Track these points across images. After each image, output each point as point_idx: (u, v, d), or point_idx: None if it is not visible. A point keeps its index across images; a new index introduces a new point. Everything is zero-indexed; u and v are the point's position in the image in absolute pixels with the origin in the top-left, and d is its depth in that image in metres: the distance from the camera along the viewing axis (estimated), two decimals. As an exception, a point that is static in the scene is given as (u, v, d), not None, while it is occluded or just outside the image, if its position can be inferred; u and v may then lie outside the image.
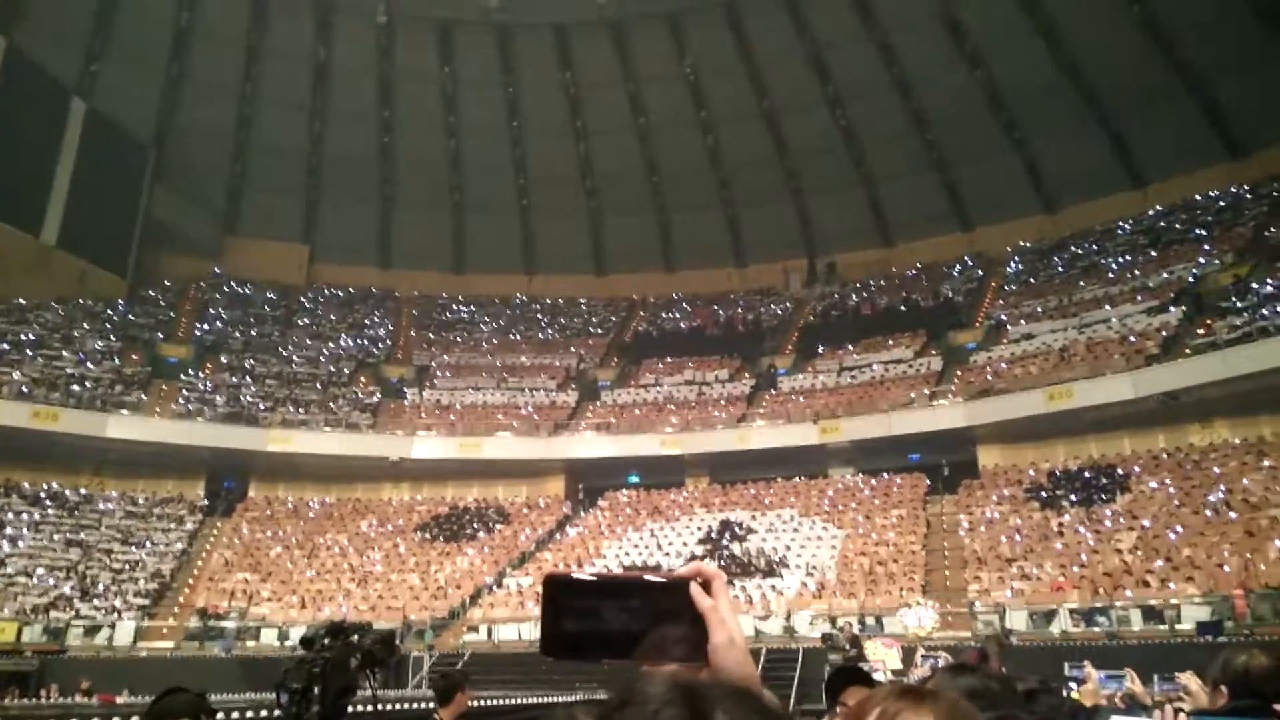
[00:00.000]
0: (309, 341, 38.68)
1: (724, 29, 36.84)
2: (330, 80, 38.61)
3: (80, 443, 29.03)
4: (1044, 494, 26.07)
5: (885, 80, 36.73)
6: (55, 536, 27.58)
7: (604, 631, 0.92)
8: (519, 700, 18.75)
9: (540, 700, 18.12)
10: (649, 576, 0.97)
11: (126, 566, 27.56)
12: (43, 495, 29.13)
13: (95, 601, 25.38)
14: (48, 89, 32.99)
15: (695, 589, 0.95)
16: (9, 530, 26.98)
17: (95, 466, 30.69)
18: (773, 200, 40.30)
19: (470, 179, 41.17)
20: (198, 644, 24.15)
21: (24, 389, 29.16)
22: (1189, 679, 5.00)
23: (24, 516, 27.84)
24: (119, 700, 16.10)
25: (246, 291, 40.50)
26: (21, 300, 33.61)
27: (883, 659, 15.25)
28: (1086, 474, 26.34)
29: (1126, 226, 35.31)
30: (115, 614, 25.02)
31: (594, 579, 0.96)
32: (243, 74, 37.58)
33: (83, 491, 30.01)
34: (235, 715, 6.38)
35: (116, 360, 33.33)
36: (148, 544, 28.86)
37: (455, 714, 5.11)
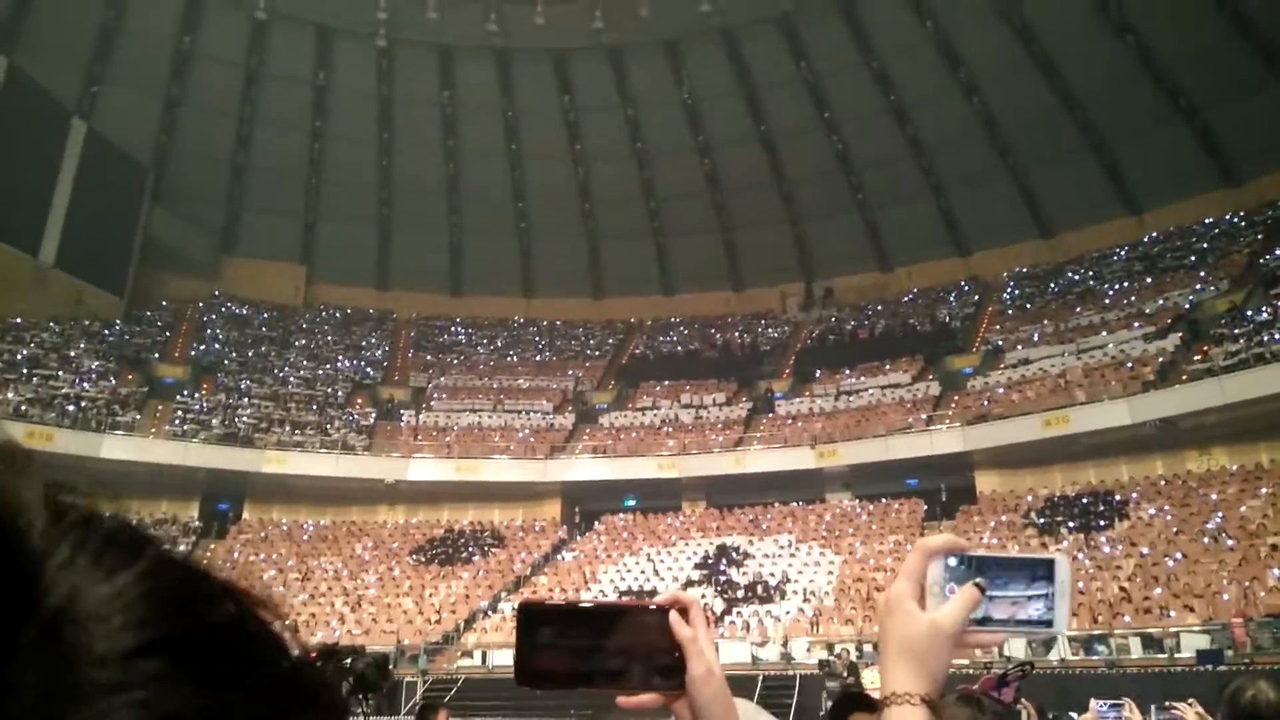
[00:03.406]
0: (305, 362, 38.60)
1: (721, 55, 37.14)
2: (330, 102, 38.82)
3: (75, 463, 28.79)
4: (1042, 520, 25.98)
5: (881, 107, 37.02)
6: (47, 558, 27.33)
7: (580, 660, 0.91)
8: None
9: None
10: (624, 605, 0.96)
11: (118, 588, 27.31)
12: (35, 516, 28.88)
13: (86, 624, 25.12)
14: (48, 109, 33.11)
15: (674, 618, 0.94)
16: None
17: (89, 487, 30.43)
18: (770, 224, 40.48)
19: (469, 202, 41.30)
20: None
21: (20, 408, 29.04)
22: (1185, 709, 4.94)
23: (16, 537, 27.60)
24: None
25: (243, 312, 40.46)
26: (18, 320, 33.56)
27: (879, 686, 15.10)
28: (1084, 500, 26.27)
29: (1122, 253, 35.46)
30: (106, 637, 24.76)
31: (569, 606, 0.94)
32: (242, 96, 37.79)
33: (75, 512, 29.75)
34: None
35: (112, 380, 33.23)
36: (140, 566, 28.59)
37: None
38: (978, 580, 1.00)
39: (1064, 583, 1.01)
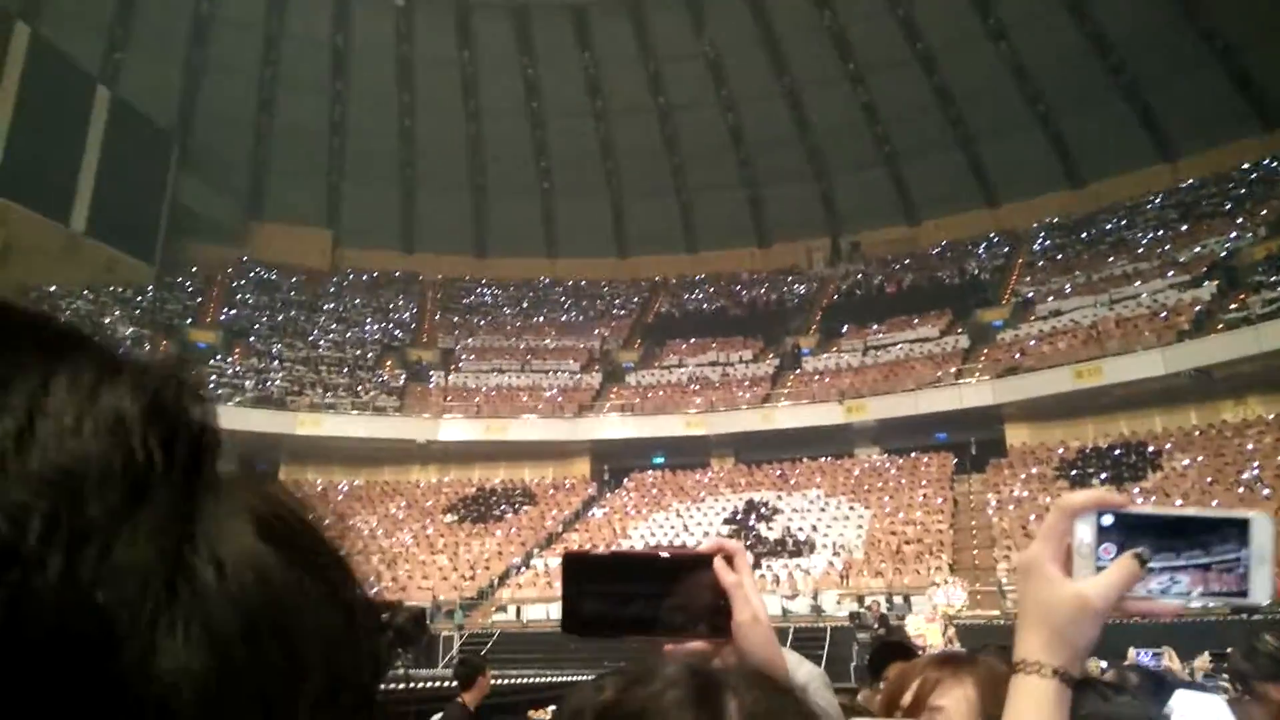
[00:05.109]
0: (334, 325, 38.95)
1: (743, 6, 36.51)
2: (350, 64, 38.67)
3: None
4: (1073, 472, 25.88)
5: (907, 55, 36.32)
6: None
7: (625, 608, 0.92)
8: (547, 678, 18.97)
9: (568, 679, 18.34)
10: (669, 553, 0.97)
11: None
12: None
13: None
14: (72, 77, 33.21)
15: (719, 564, 0.94)
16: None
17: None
18: (795, 179, 40.02)
19: (491, 161, 41.17)
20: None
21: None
22: (1171, 654, 5.02)
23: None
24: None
25: (272, 276, 40.79)
26: (53, 288, 33.98)
27: (923, 633, 15.29)
28: (1117, 451, 26.12)
29: (1156, 200, 34.80)
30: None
31: (613, 555, 0.98)
32: (263, 59, 37.74)
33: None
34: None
35: (146, 347, 33.66)
36: (180, 527, 29.26)
37: (478, 697, 5.27)
38: (1138, 551, 0.88)
39: (1263, 546, 0.86)
